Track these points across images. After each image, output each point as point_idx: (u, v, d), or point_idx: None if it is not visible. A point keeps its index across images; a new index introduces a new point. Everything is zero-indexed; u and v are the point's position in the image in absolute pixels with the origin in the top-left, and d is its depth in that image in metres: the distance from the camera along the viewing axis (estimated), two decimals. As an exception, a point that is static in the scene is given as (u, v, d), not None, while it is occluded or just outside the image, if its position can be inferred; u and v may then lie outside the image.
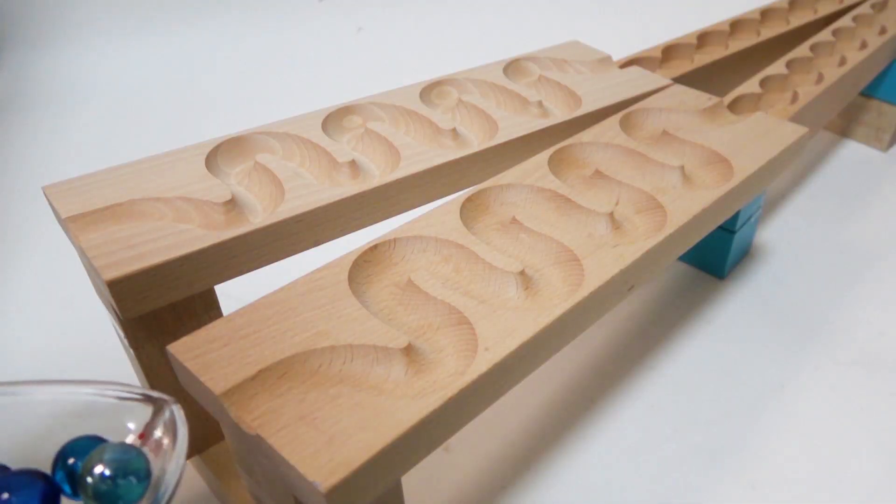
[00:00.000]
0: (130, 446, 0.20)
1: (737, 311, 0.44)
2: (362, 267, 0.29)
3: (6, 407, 0.20)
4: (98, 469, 0.18)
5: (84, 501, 0.19)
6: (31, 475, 0.20)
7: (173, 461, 0.20)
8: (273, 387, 0.23)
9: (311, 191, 0.32)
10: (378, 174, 0.35)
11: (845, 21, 0.56)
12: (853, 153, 0.60)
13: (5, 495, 0.18)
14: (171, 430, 0.21)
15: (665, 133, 0.39)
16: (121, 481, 0.18)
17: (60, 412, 0.22)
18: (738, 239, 0.45)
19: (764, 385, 0.39)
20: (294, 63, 0.78)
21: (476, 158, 0.36)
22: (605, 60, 0.46)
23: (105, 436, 0.21)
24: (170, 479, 0.20)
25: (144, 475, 0.19)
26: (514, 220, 0.32)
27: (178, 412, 0.22)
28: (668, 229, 0.31)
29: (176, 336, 0.25)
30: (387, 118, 0.40)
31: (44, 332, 0.44)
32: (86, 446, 0.20)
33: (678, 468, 0.34)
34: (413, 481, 0.34)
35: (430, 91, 0.42)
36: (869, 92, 0.59)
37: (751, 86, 0.45)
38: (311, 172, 0.35)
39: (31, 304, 0.46)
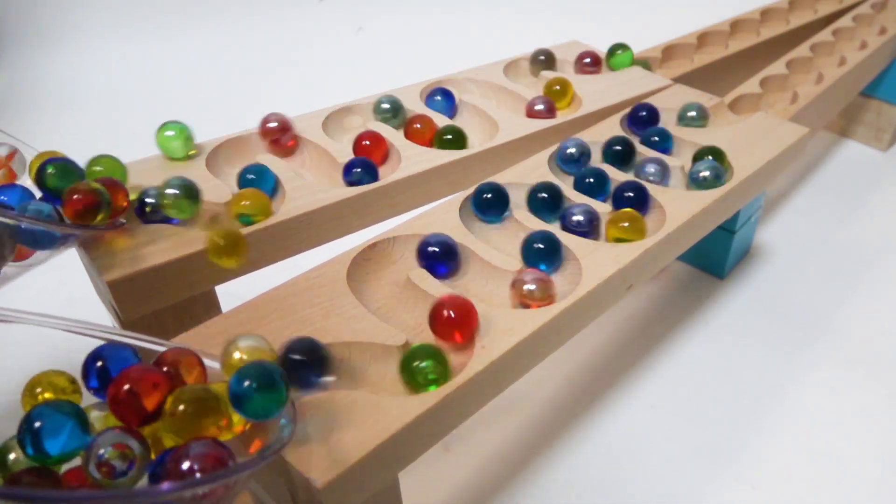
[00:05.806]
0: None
1: (737, 311, 0.44)
2: (361, 265, 0.29)
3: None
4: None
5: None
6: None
7: None
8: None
9: (311, 191, 0.32)
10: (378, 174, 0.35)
11: (845, 21, 0.56)
12: (853, 153, 0.60)
13: None
14: None
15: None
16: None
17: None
18: (738, 239, 0.45)
19: (764, 385, 0.39)
20: (294, 63, 0.78)
21: (476, 158, 0.36)
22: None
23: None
24: None
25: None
26: (513, 219, 0.32)
27: None
28: (667, 229, 0.31)
29: (176, 336, 0.25)
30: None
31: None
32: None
33: (678, 468, 0.34)
34: (413, 481, 0.34)
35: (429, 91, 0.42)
36: (869, 92, 0.59)
37: (751, 86, 0.45)
38: (312, 172, 0.36)
39: (32, 304, 0.46)
